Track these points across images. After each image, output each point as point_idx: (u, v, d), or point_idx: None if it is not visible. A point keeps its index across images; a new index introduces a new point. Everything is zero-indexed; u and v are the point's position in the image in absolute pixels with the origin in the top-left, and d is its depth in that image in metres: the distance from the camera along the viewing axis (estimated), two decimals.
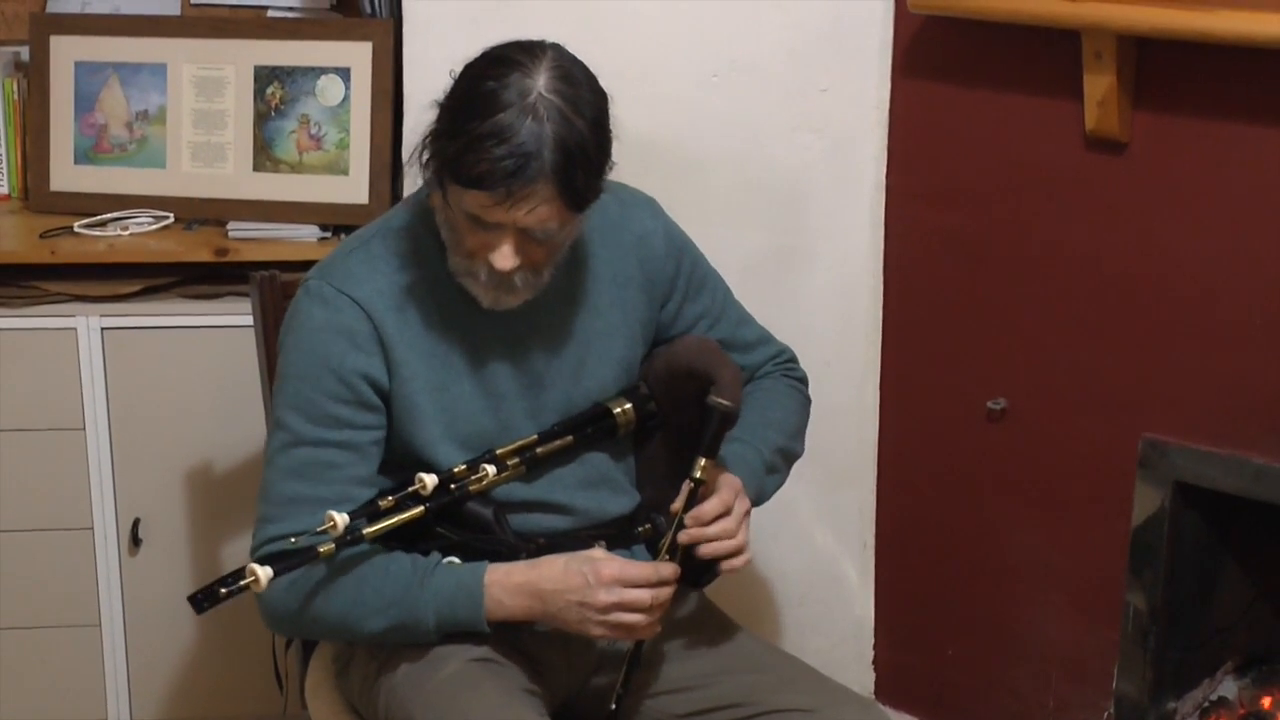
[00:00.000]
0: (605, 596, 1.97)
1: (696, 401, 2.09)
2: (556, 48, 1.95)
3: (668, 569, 2.02)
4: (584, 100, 1.91)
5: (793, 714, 2.06)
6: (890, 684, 3.00)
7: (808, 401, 2.33)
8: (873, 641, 3.00)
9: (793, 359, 2.34)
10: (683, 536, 2.03)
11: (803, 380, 2.34)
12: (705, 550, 2.04)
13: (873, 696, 2.99)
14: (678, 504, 2.05)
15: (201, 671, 2.89)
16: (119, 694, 2.88)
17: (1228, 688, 2.65)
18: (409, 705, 2.01)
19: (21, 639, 2.84)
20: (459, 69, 1.96)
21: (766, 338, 2.33)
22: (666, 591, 2.01)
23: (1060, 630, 2.71)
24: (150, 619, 2.86)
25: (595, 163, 1.94)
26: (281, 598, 1.99)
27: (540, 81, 1.88)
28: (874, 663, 3.01)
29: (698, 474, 2.04)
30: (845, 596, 2.98)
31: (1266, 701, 2.60)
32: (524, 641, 2.11)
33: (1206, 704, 2.62)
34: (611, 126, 1.97)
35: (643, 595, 1.98)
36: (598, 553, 2.02)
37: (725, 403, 2.05)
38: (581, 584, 1.98)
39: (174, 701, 2.90)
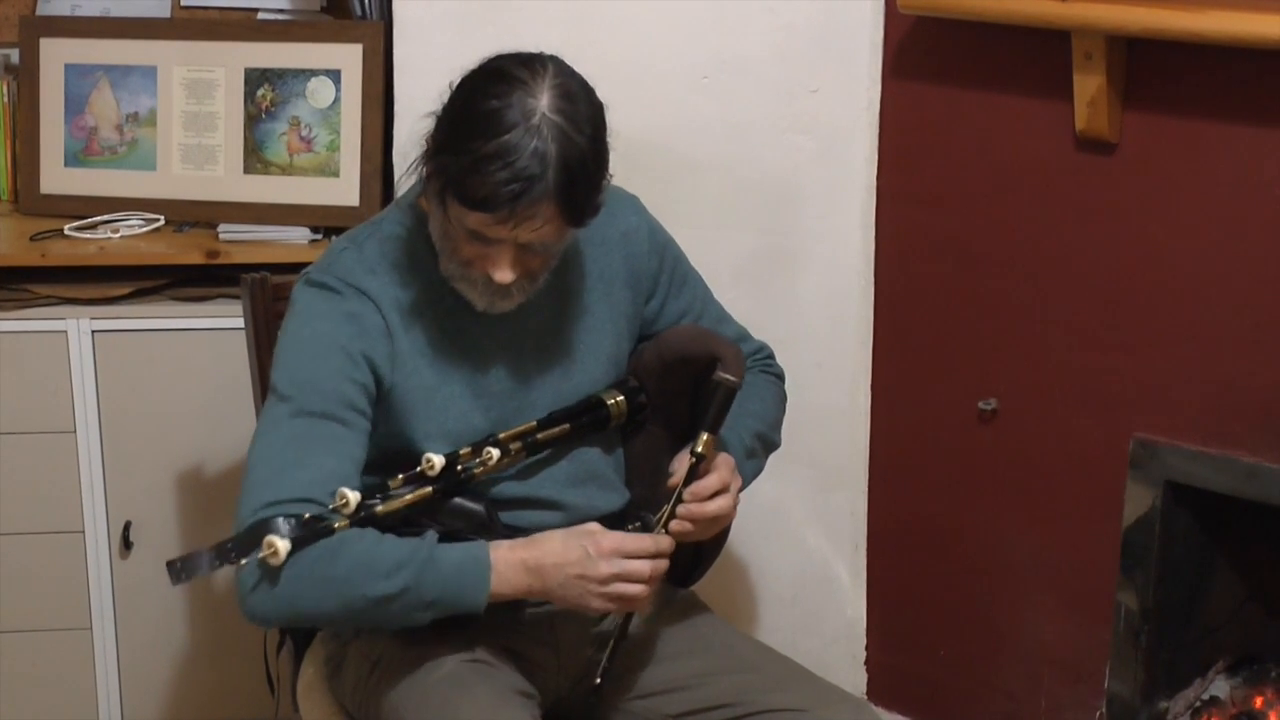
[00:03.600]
0: (606, 568, 1.97)
1: (690, 389, 2.11)
2: (555, 61, 1.96)
3: (665, 541, 2.03)
4: (584, 117, 1.92)
5: (785, 714, 2.07)
6: (882, 684, 3.00)
7: (785, 396, 2.35)
8: (865, 642, 3.00)
9: (770, 355, 2.36)
10: (681, 510, 2.05)
11: (780, 376, 2.36)
12: (695, 524, 2.06)
13: (864, 697, 2.99)
14: (677, 478, 2.06)
15: (193, 674, 2.89)
16: (110, 697, 2.87)
17: (1219, 687, 2.65)
18: (401, 707, 2.01)
19: (12, 642, 2.84)
20: (457, 80, 1.96)
21: (745, 335, 2.34)
22: (664, 564, 2.03)
23: (1052, 630, 2.71)
24: (141, 622, 2.85)
25: (595, 178, 1.96)
26: (277, 571, 1.90)
27: (543, 100, 1.89)
28: (866, 663, 3.01)
29: (700, 449, 2.05)
30: (837, 597, 2.98)
31: (1258, 701, 2.60)
32: (516, 643, 2.11)
33: (1198, 703, 2.63)
34: (609, 138, 1.98)
35: (642, 566, 1.99)
36: (594, 526, 2.02)
37: (731, 378, 2.07)
38: (581, 556, 1.98)
39: (165, 704, 2.90)
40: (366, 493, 1.96)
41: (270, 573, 1.90)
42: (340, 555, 1.92)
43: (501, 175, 1.86)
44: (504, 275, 1.96)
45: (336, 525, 1.90)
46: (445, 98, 1.97)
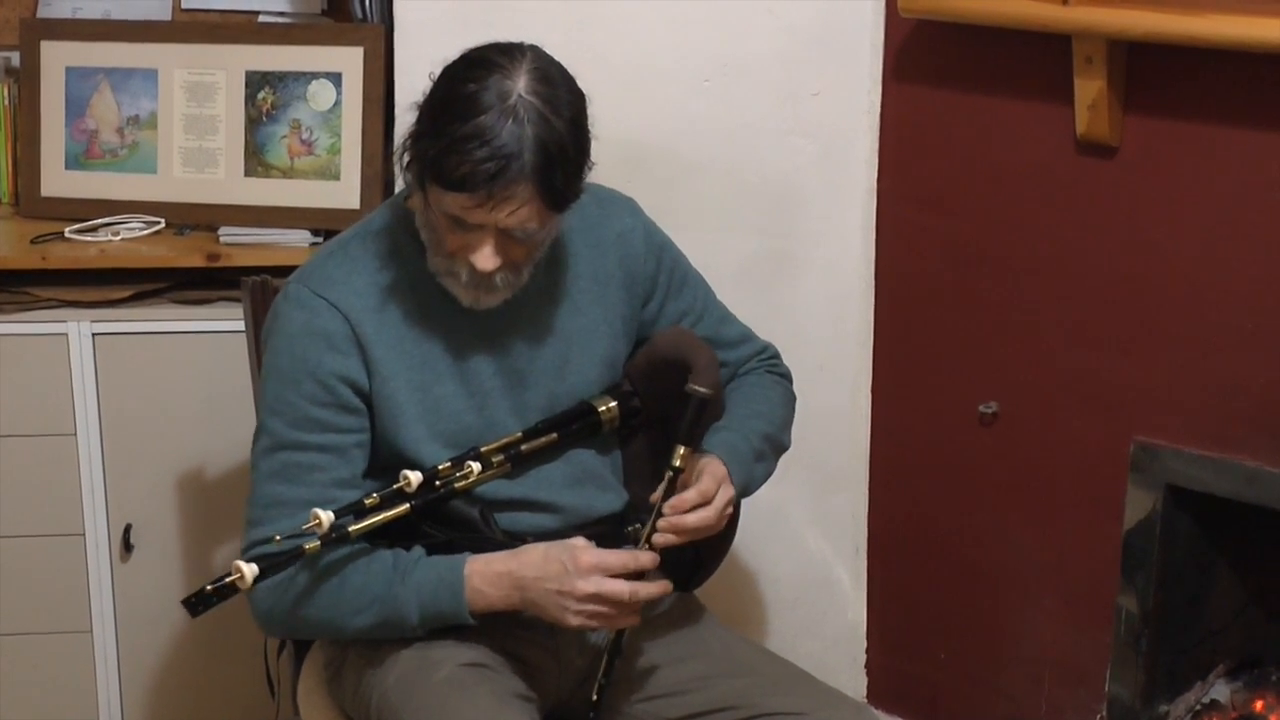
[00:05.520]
0: (584, 585, 1.97)
1: (678, 392, 2.11)
2: (534, 49, 1.97)
3: (646, 558, 2.03)
4: (563, 101, 1.93)
5: (785, 718, 2.07)
6: (883, 688, 3.00)
7: (793, 396, 2.34)
8: (865, 645, 3.00)
9: (776, 355, 2.36)
10: (661, 524, 2.04)
11: (786, 376, 2.35)
12: (678, 536, 2.05)
13: (865, 700, 2.99)
14: (657, 493, 2.06)
15: (193, 677, 2.89)
16: (110, 700, 2.87)
17: (1220, 691, 2.65)
18: (400, 710, 2.01)
19: (13, 645, 2.84)
20: (439, 71, 1.97)
21: (749, 335, 2.34)
22: (643, 587, 2.02)
23: (1053, 633, 2.71)
24: (142, 625, 2.85)
25: (575, 163, 1.96)
26: (268, 598, 2.01)
27: (520, 83, 1.90)
28: (866, 666, 3.01)
29: (677, 462, 2.05)
30: (838, 600, 2.98)
31: (1259, 705, 2.60)
32: (516, 646, 2.11)
33: (1199, 707, 2.62)
34: (590, 126, 1.98)
35: (621, 586, 1.99)
36: (578, 541, 2.03)
37: (701, 389, 2.07)
38: (560, 571, 1.98)
39: (166, 707, 2.90)
40: (341, 511, 1.97)
41: (264, 606, 2.02)
42: (317, 596, 2.00)
43: (478, 155, 1.87)
44: (485, 262, 1.96)
45: (307, 546, 1.94)
46: (427, 88, 1.98)
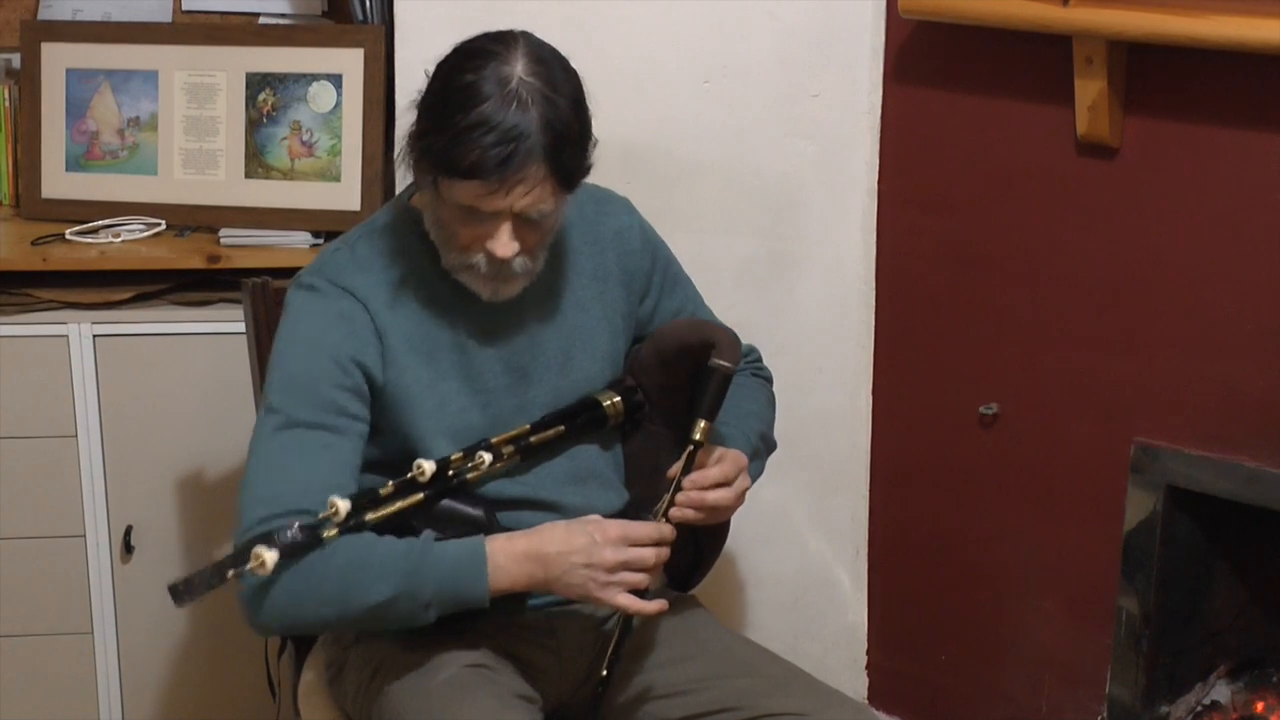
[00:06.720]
0: (612, 555, 1.97)
1: (689, 382, 2.11)
2: (525, 34, 1.99)
3: (667, 529, 2.04)
4: (560, 80, 1.95)
5: (785, 718, 2.07)
6: (883, 689, 3.00)
7: (774, 398, 2.36)
8: (865, 646, 3.00)
9: (759, 357, 2.38)
10: (680, 499, 2.05)
11: (769, 379, 2.37)
12: (696, 512, 2.06)
13: (865, 701, 2.99)
14: (676, 468, 2.06)
15: (194, 679, 2.89)
16: (111, 702, 2.87)
17: (1220, 692, 2.65)
18: (402, 712, 2.01)
19: (14, 647, 2.84)
20: (432, 68, 1.98)
21: None
22: (665, 552, 2.03)
23: (1053, 634, 2.71)
24: (142, 626, 2.85)
25: (580, 139, 1.97)
26: (274, 576, 1.91)
27: (517, 67, 1.92)
28: (867, 667, 3.01)
29: (697, 435, 2.05)
30: (838, 601, 2.98)
31: (1259, 706, 2.60)
32: (517, 647, 2.11)
33: (1199, 708, 2.62)
34: (588, 103, 1.99)
35: (647, 554, 1.99)
36: (595, 515, 2.03)
37: (726, 364, 2.07)
38: (587, 544, 1.98)
39: (167, 709, 2.90)
40: (357, 500, 1.96)
41: (265, 584, 1.91)
42: (333, 561, 1.93)
43: (487, 140, 1.88)
44: (504, 248, 1.96)
45: (326, 534, 1.92)
46: (423, 86, 1.99)
